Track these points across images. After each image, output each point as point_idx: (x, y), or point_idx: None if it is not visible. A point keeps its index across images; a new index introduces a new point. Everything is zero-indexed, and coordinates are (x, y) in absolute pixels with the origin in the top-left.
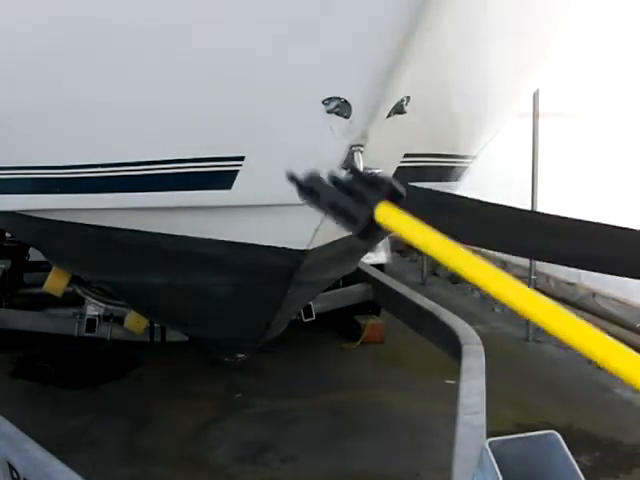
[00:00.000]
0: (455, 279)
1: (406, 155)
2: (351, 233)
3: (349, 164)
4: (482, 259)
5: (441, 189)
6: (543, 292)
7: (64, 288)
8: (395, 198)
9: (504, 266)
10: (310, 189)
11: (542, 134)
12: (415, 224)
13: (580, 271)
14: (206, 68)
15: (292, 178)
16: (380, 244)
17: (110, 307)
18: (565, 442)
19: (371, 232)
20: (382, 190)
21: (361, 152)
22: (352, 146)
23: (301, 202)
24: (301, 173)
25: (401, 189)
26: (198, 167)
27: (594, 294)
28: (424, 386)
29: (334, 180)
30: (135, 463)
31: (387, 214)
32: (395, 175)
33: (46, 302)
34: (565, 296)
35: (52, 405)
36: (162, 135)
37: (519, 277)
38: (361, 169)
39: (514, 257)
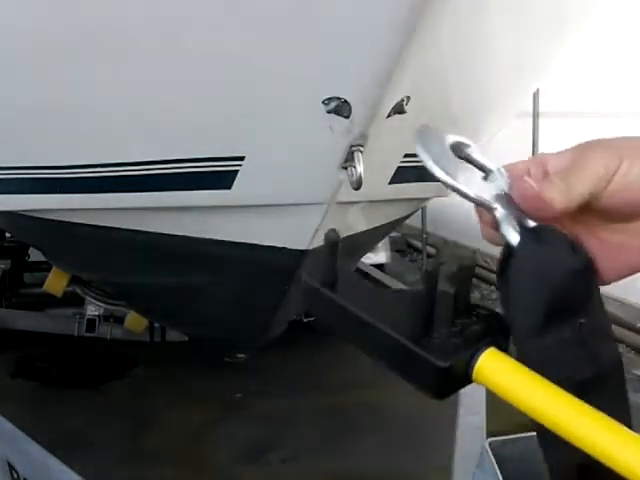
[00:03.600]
0: None
1: (406, 155)
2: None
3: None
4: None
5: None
6: None
7: (64, 288)
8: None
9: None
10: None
11: (542, 134)
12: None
13: None
14: (205, 68)
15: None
16: (380, 244)
17: (110, 307)
18: None
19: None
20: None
21: (361, 152)
22: (352, 146)
23: (301, 202)
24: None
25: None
26: (198, 167)
27: None
28: None
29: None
30: (135, 463)
31: (493, 367)
32: (395, 175)
33: (46, 302)
34: None
35: (52, 405)
36: (162, 135)
37: None
38: (361, 169)
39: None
